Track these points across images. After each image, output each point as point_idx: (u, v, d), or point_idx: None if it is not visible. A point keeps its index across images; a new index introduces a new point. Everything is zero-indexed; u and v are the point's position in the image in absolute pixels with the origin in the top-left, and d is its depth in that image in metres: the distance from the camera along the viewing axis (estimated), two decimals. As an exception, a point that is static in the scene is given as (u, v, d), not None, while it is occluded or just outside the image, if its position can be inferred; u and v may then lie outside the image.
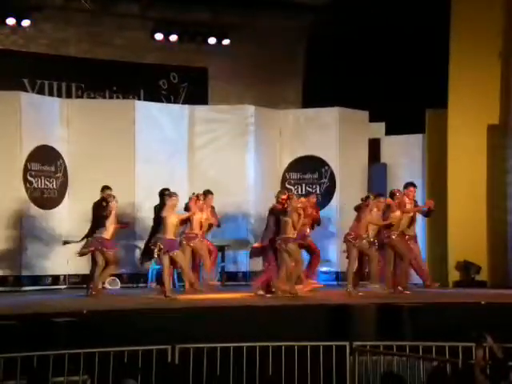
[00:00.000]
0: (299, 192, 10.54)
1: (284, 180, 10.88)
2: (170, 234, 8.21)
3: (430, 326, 7.04)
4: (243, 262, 10.41)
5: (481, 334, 5.29)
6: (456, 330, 6.50)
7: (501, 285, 9.80)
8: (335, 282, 10.37)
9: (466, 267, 10.02)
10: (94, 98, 11.15)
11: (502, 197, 10.17)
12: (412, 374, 5.86)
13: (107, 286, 9.39)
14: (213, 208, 9.30)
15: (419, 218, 9.51)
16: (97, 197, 8.74)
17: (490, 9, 10.27)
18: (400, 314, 7.39)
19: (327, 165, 10.77)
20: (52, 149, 9.74)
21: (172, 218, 8.24)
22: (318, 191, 10.70)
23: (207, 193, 9.16)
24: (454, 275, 9.88)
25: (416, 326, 7.22)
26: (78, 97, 11.04)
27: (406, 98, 10.53)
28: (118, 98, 11.25)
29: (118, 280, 9.62)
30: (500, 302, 8.08)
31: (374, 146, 11.08)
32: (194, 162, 10.44)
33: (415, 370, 5.89)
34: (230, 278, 10.16)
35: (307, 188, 10.76)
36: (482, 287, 9.77)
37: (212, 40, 11.59)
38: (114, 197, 8.48)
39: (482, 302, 7.80)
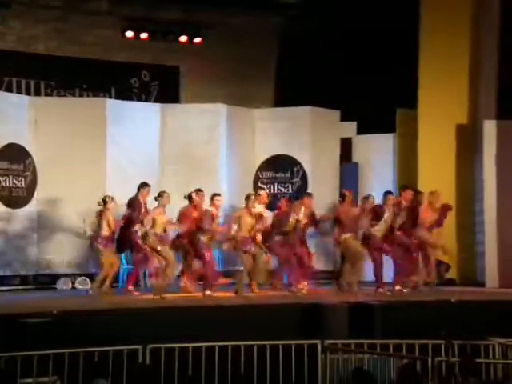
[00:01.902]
0: (271, 191, 10.56)
1: (256, 179, 10.88)
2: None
3: (401, 324, 7.09)
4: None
5: (450, 332, 5.34)
6: (426, 328, 6.55)
7: (469, 283, 9.96)
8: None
9: (436, 266, 10.13)
10: (64, 96, 11.01)
11: (471, 196, 10.30)
12: (382, 371, 5.90)
13: (77, 285, 9.29)
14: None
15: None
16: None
17: (460, 9, 10.40)
18: (371, 313, 7.43)
19: (299, 164, 10.79)
20: (20, 147, 9.59)
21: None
22: (289, 190, 10.72)
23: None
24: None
25: (386, 324, 7.26)
26: (47, 95, 10.89)
27: (377, 98, 10.60)
28: (88, 96, 11.13)
29: (88, 280, 9.52)
30: (469, 300, 8.20)
31: (346, 146, 11.14)
32: (166, 161, 10.37)
33: (386, 368, 5.92)
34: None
35: (279, 187, 10.77)
36: (451, 285, 9.89)
37: (184, 38, 11.53)
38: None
39: (452, 300, 7.89)
